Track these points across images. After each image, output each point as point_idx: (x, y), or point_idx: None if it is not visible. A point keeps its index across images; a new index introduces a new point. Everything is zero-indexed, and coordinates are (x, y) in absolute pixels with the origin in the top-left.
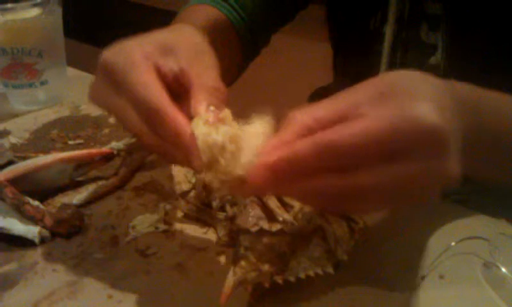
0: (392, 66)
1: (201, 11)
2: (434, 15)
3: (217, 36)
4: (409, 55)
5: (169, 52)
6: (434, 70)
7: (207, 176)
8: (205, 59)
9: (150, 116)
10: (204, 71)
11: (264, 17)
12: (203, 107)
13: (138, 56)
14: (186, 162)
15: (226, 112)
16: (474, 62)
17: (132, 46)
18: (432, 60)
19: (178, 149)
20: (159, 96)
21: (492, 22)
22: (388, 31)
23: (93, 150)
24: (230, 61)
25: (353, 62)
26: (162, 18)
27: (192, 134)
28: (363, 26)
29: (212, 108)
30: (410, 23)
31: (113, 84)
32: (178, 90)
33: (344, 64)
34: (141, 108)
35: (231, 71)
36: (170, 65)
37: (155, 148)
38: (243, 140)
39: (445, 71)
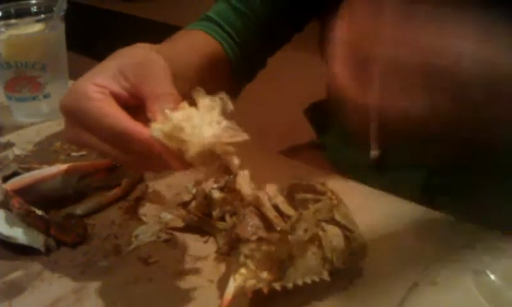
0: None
1: (192, 36)
2: None
3: (204, 63)
4: None
5: (119, 75)
6: None
7: (189, 159)
8: (153, 69)
9: (118, 140)
10: (154, 81)
11: (258, 42)
12: (158, 114)
13: (91, 90)
14: (168, 166)
15: (182, 104)
16: None
17: (83, 84)
18: None
19: (153, 159)
20: (120, 119)
21: None
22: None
23: (97, 162)
24: (219, 86)
25: None
26: (163, 32)
27: (153, 138)
28: None
29: (167, 111)
30: None
31: (78, 124)
32: (137, 104)
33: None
34: (108, 136)
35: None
36: (122, 86)
37: (136, 166)
38: (199, 115)
39: None
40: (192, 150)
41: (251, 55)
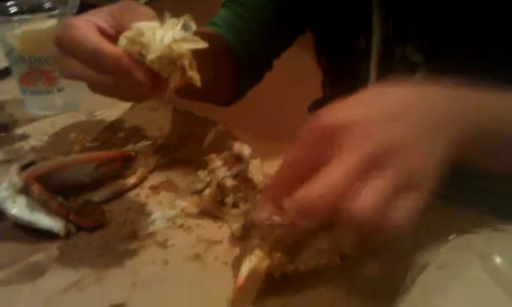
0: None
1: (204, 30)
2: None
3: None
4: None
5: (108, 15)
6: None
7: (149, 62)
8: (137, 8)
9: (95, 60)
10: (134, 15)
11: (260, 44)
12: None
13: (79, 22)
14: (137, 81)
15: None
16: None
17: (75, 18)
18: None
19: (125, 79)
20: (97, 41)
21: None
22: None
23: (112, 152)
24: (222, 80)
25: (341, 84)
26: None
27: (122, 54)
28: (349, 48)
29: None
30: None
31: (66, 52)
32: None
33: (333, 84)
34: (87, 58)
35: (224, 89)
36: (109, 23)
37: (115, 88)
38: (162, 28)
39: None
40: (151, 54)
41: (255, 55)
